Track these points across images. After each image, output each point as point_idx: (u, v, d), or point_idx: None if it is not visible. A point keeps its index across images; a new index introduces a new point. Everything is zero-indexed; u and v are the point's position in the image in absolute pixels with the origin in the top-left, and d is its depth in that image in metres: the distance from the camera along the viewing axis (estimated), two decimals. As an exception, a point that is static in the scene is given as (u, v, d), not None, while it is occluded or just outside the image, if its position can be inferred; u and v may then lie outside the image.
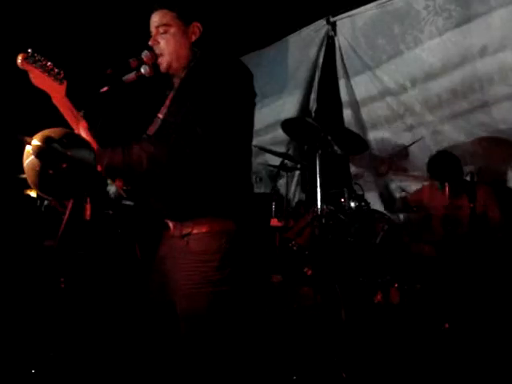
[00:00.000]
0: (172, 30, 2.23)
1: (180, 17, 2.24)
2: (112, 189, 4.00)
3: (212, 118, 2.02)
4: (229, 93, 2.08)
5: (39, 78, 1.99)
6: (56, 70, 2.02)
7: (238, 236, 2.15)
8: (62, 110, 2.08)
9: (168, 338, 2.23)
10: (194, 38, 2.27)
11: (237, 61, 2.19)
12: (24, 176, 1.89)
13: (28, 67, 1.95)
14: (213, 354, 2.10)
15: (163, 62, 2.25)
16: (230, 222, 2.14)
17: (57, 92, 2.05)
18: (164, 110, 2.30)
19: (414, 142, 4.64)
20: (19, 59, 1.92)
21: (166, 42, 2.24)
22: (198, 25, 2.28)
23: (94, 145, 2.06)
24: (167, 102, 2.31)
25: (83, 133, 2.07)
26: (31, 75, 1.98)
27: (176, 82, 2.31)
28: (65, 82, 2.06)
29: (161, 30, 2.24)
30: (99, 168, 2.03)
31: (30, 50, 1.94)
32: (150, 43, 2.26)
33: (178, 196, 2.14)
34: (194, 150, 2.01)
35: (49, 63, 2.00)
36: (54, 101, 2.07)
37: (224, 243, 2.12)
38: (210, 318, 2.09)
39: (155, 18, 2.26)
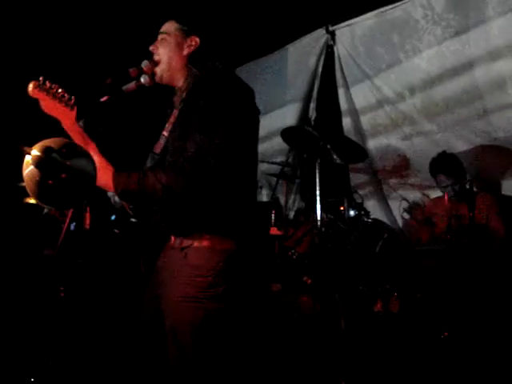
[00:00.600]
0: (169, 38, 2.28)
1: (182, 28, 2.29)
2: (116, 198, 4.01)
3: (223, 146, 2.02)
4: (236, 116, 2.09)
5: (50, 105, 1.99)
6: (67, 97, 2.02)
7: (237, 256, 2.15)
8: (71, 134, 2.08)
9: (158, 351, 2.22)
10: (188, 50, 2.28)
11: (237, 80, 2.21)
12: (23, 184, 1.89)
13: (39, 95, 1.95)
14: (196, 370, 2.08)
15: (158, 70, 2.27)
16: (231, 241, 2.14)
17: (67, 118, 2.05)
18: (169, 126, 2.31)
19: None
20: (30, 87, 1.92)
21: (163, 50, 2.28)
22: (196, 39, 2.29)
23: (110, 167, 2.06)
24: (171, 119, 2.32)
25: (94, 155, 2.04)
26: (42, 103, 1.98)
27: (177, 100, 2.32)
28: (75, 108, 2.05)
29: (162, 36, 2.30)
30: (114, 191, 2.04)
31: (41, 78, 1.94)
32: (150, 48, 2.30)
33: (183, 215, 2.15)
34: (209, 181, 2.02)
35: (60, 90, 1.99)
36: (64, 126, 2.07)
37: (222, 261, 2.11)
38: (195, 333, 2.07)
39: (162, 27, 2.33)
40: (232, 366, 2.17)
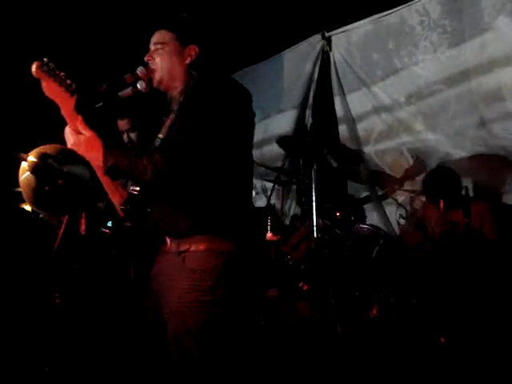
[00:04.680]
0: (167, 48, 2.26)
1: (178, 38, 2.28)
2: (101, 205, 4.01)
3: (213, 136, 2.03)
4: (229, 113, 2.09)
5: (51, 88, 1.98)
6: (68, 82, 2.01)
7: (235, 258, 2.15)
8: (68, 121, 2.06)
9: (160, 359, 2.21)
10: (189, 59, 2.29)
11: (235, 82, 2.21)
12: (19, 190, 1.89)
13: (42, 76, 1.94)
14: (203, 375, 2.08)
15: (155, 76, 2.26)
16: (229, 242, 2.14)
17: (66, 104, 2.03)
18: (164, 130, 2.31)
19: None
20: (34, 67, 1.91)
21: (161, 59, 2.26)
22: (195, 48, 2.30)
23: (100, 142, 2.04)
24: (167, 122, 2.32)
25: (85, 130, 2.04)
26: (43, 84, 1.97)
27: (175, 105, 2.32)
28: (75, 95, 2.04)
29: (157, 47, 2.27)
30: (102, 166, 2.02)
31: (45, 59, 1.94)
32: (145, 59, 2.28)
33: (178, 213, 2.14)
34: (195, 165, 2.02)
35: (62, 73, 1.99)
36: (63, 112, 2.05)
37: (220, 264, 2.11)
38: (199, 339, 2.06)
39: (154, 37, 2.31)
40: (234, 369, 2.17)
